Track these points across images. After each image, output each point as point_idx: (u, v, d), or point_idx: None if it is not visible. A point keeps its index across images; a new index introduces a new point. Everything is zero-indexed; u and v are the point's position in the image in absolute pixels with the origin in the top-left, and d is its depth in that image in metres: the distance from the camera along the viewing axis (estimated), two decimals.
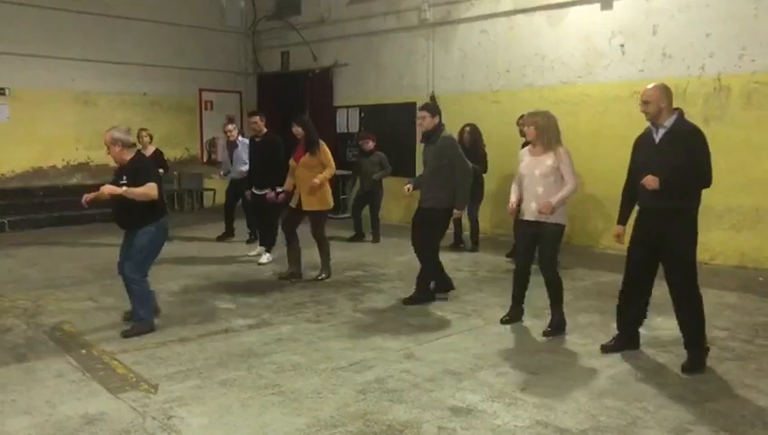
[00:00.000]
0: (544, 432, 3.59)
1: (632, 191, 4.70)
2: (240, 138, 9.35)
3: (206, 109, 13.91)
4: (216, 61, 13.73)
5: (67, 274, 7.52)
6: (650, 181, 4.34)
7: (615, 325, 4.95)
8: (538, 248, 5.36)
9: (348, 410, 3.86)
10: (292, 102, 12.89)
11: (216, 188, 13.42)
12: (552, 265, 5.32)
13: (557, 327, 5.32)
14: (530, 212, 5.25)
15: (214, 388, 4.20)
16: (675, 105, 4.55)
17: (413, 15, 11.07)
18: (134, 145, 5.32)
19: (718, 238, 7.66)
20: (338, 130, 12.62)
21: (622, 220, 4.83)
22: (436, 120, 6.10)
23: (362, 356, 4.79)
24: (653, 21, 8.40)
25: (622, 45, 8.71)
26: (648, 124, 4.61)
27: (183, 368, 4.54)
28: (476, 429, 3.63)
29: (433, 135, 6.10)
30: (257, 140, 8.24)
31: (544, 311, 5.90)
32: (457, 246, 9.03)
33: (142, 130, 9.45)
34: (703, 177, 4.39)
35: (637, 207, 4.70)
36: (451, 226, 7.31)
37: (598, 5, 8.90)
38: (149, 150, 9.26)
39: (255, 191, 8.27)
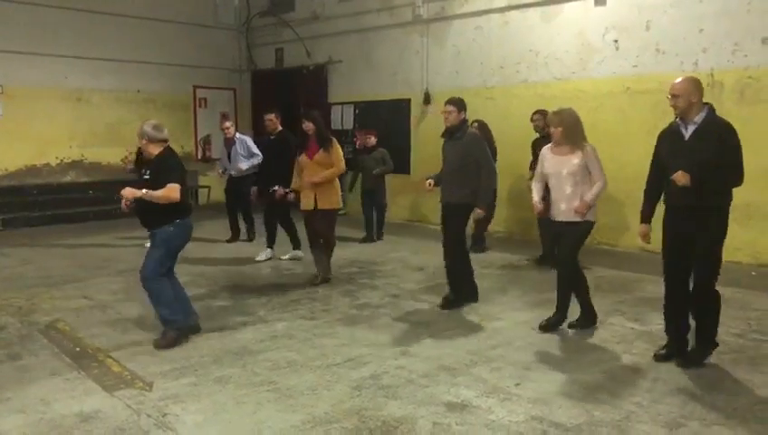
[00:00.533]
0: (539, 427, 3.61)
1: (656, 188, 4.56)
2: (238, 134, 9.22)
3: (200, 106, 13.87)
4: (209, 58, 13.69)
5: (61, 272, 7.50)
6: (680, 177, 4.17)
7: (665, 332, 4.73)
8: (562, 241, 5.24)
9: (343, 407, 3.86)
10: (286, 99, 12.88)
11: (211, 185, 13.40)
12: (574, 259, 5.22)
13: (584, 322, 5.30)
14: (560, 213, 5.15)
15: (209, 385, 4.20)
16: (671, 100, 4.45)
17: (407, 12, 11.05)
18: (163, 141, 4.93)
19: None
20: (332, 127, 12.61)
21: (646, 218, 4.67)
22: (462, 115, 5.87)
23: (357, 352, 4.80)
24: (646, 16, 8.41)
25: (616, 41, 8.72)
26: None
27: (178, 365, 4.53)
28: (471, 424, 3.65)
29: (458, 131, 5.86)
30: (272, 137, 8.15)
31: (539, 305, 5.93)
32: (480, 246, 8.61)
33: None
34: (736, 175, 4.26)
35: (663, 206, 4.54)
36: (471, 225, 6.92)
37: (591, 1, 8.90)
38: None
39: (272, 189, 7.94)
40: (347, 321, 5.62)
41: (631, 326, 5.32)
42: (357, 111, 12.26)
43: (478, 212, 5.85)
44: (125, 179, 12.69)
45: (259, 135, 9.12)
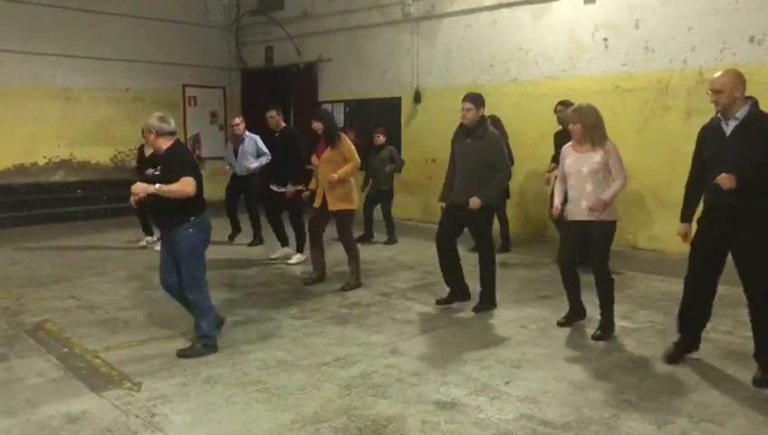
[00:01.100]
0: (528, 425, 3.61)
1: (698, 186, 4.32)
2: (248, 133, 8.94)
3: (189, 104, 13.80)
4: (199, 56, 13.62)
5: (49, 272, 7.44)
6: (726, 180, 3.93)
7: (676, 330, 4.65)
8: (590, 247, 5.08)
9: (332, 406, 3.85)
10: (276, 98, 12.82)
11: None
12: (604, 265, 5.04)
13: (606, 330, 5.07)
14: (579, 212, 5.00)
15: (198, 385, 4.18)
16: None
17: (397, 10, 11.04)
18: (172, 133, 4.66)
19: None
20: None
21: (687, 218, 4.46)
22: (481, 112, 5.60)
23: (347, 352, 4.79)
24: (636, 15, 8.43)
25: (605, 39, 8.74)
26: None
27: (167, 365, 4.51)
28: (461, 422, 3.64)
29: (477, 129, 5.59)
30: (276, 135, 8.00)
31: (529, 304, 5.94)
32: (506, 247, 8.53)
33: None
34: None
35: (702, 205, 4.35)
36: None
37: (581, 0, 8.93)
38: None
39: (274, 188, 7.89)
40: (337, 320, 5.61)
41: (621, 324, 5.33)
42: (347, 110, 12.23)
43: (475, 200, 5.53)
44: (114, 179, 12.80)
45: (254, 133, 8.96)
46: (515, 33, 9.66)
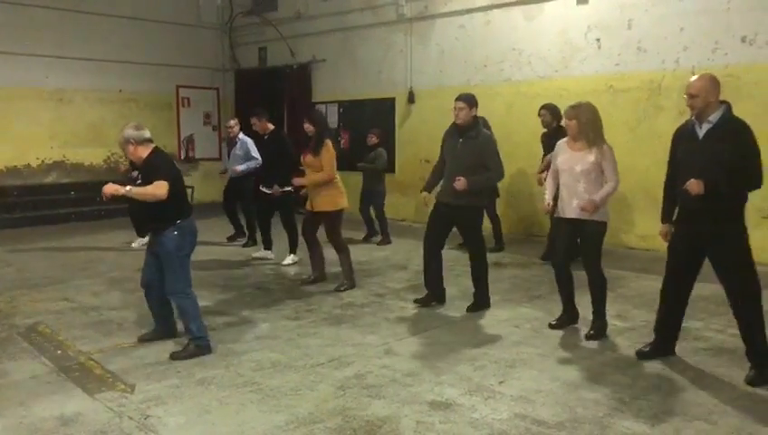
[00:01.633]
0: (522, 425, 3.62)
1: (675, 187, 4.37)
2: (241, 135, 8.96)
3: (183, 105, 13.77)
4: (192, 57, 13.59)
5: (42, 274, 7.41)
6: (694, 186, 4.02)
7: (653, 330, 4.69)
8: (581, 248, 5.11)
9: (326, 407, 3.85)
10: (270, 99, 12.82)
11: (194, 185, 13.27)
12: (596, 265, 5.03)
13: (599, 330, 5.07)
14: (570, 210, 4.99)
15: (191, 386, 4.17)
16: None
17: (390, 11, 11.04)
18: (149, 140, 4.70)
19: None
20: None
21: (667, 218, 4.50)
22: (474, 111, 5.60)
23: (341, 352, 4.79)
24: (628, 15, 8.47)
25: (598, 40, 8.78)
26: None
27: (160, 367, 4.50)
28: (455, 422, 3.65)
29: (471, 129, 5.59)
30: (265, 138, 8.09)
31: (522, 303, 5.95)
32: (500, 246, 8.63)
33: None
34: (754, 177, 4.08)
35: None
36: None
37: (573, 0, 8.95)
38: None
39: (263, 189, 7.92)
40: (331, 320, 5.61)
41: (614, 323, 5.34)
42: (341, 111, 12.23)
43: (461, 181, 5.45)
44: (107, 180, 12.58)
45: (246, 135, 8.97)
46: (508, 33, 9.69)
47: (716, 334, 5.13)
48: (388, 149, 11.11)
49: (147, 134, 4.71)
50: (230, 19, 13.84)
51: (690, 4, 7.94)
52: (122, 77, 12.59)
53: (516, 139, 9.07)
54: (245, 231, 9.31)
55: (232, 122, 9.16)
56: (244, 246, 9.03)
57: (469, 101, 5.63)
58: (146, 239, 8.72)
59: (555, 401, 3.93)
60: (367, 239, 9.39)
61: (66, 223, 11.04)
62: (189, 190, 14.45)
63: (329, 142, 6.56)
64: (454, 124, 5.73)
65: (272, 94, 12.91)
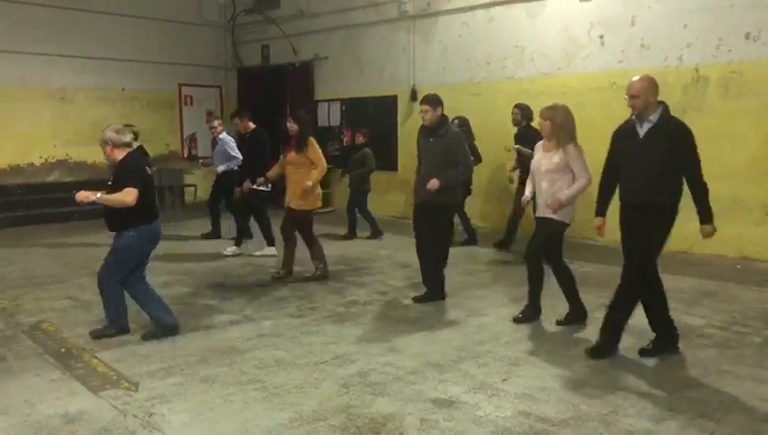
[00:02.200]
0: (526, 422, 3.62)
1: (611, 183, 4.59)
2: (223, 135, 9.12)
3: (185, 104, 13.78)
4: (195, 55, 13.59)
5: (46, 272, 7.43)
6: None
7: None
8: (532, 237, 5.33)
9: (330, 404, 3.86)
10: (272, 97, 12.84)
11: (197, 183, 13.33)
12: (537, 256, 5.25)
13: (576, 315, 5.32)
14: (539, 208, 5.20)
15: (195, 384, 4.18)
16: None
17: (393, 8, 11.03)
18: (127, 145, 4.94)
19: (696, 228, 7.74)
20: (319, 125, 12.57)
21: (601, 211, 4.73)
22: (439, 111, 5.82)
23: (345, 350, 4.79)
24: (631, 12, 8.44)
25: (601, 36, 8.75)
26: (627, 115, 4.56)
27: (164, 365, 4.50)
28: (459, 420, 3.65)
29: (439, 128, 5.83)
30: (246, 136, 8.28)
31: (515, 300, 5.95)
32: (473, 239, 8.94)
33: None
34: (701, 185, 4.33)
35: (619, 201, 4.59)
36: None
37: None
38: None
39: (250, 186, 7.99)
40: (334, 318, 5.61)
41: None
42: (344, 108, 12.23)
43: (434, 181, 5.69)
44: (109, 179, 12.63)
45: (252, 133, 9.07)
46: (511, 30, 9.67)
47: (720, 331, 5.11)
48: (392, 146, 11.17)
49: (126, 139, 4.95)
50: (233, 17, 13.84)
51: (693, 1, 7.90)
52: (125, 75, 12.60)
53: None
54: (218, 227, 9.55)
55: (215, 123, 9.32)
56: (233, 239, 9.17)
57: (433, 102, 5.83)
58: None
59: (559, 398, 3.93)
60: (349, 237, 9.45)
61: (69, 221, 11.04)
62: (192, 189, 14.55)
63: (313, 140, 6.79)
64: (422, 126, 5.98)
65: (274, 92, 12.92)
